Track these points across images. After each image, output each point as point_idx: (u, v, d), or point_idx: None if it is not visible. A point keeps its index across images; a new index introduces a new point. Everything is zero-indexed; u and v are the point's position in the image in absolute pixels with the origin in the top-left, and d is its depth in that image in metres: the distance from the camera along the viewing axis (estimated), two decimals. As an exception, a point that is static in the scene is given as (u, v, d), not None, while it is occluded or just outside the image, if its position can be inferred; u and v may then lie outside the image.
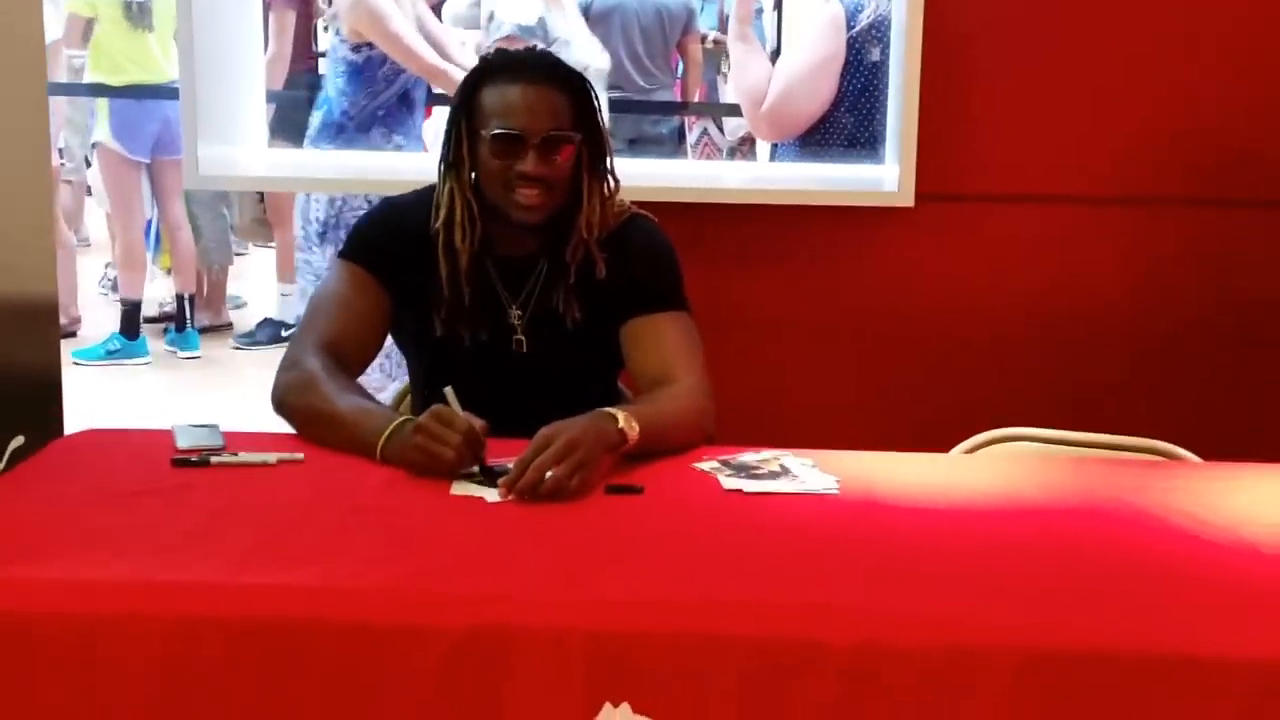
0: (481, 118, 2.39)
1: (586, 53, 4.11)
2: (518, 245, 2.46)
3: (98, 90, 6.01)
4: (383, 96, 4.28)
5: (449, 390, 2.15)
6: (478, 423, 2.11)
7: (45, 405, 2.88)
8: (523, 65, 2.44)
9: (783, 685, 1.64)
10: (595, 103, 2.46)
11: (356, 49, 4.25)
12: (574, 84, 2.44)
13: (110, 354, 6.06)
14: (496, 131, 2.37)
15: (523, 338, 2.47)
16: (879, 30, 3.58)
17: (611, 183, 2.48)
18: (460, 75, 3.59)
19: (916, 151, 3.29)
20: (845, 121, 3.70)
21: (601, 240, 2.45)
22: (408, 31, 4.14)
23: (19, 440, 2.55)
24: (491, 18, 4.02)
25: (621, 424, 2.15)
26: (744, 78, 3.77)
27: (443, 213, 2.43)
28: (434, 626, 1.67)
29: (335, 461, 2.18)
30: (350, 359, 2.40)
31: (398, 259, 2.46)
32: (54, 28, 6.65)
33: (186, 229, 6.31)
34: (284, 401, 2.34)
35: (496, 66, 2.45)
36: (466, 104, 2.42)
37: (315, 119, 4.44)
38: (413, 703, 1.66)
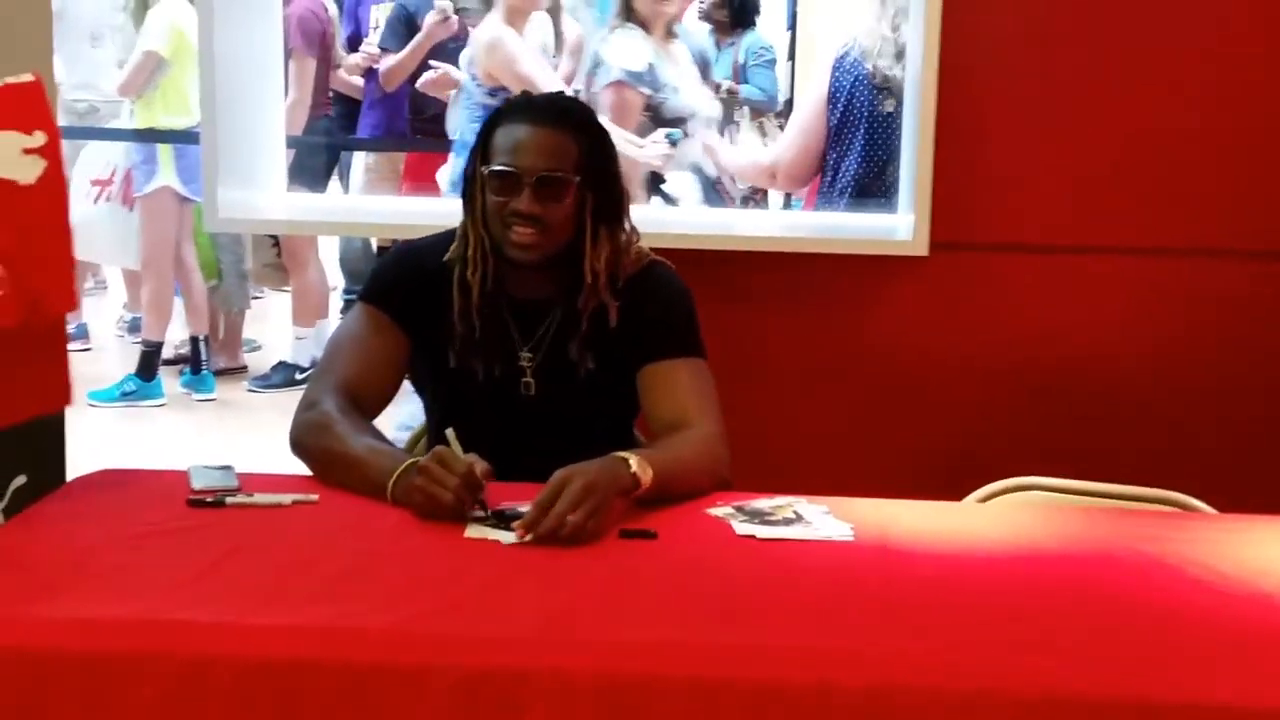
0: (490, 156, 2.42)
1: (695, 100, 4.14)
2: (533, 289, 2.48)
3: (152, 135, 6.01)
4: None
5: (450, 432, 2.17)
6: (480, 465, 2.11)
7: (48, 445, 2.88)
8: (535, 107, 2.46)
9: (795, 731, 1.64)
10: (609, 150, 2.48)
11: (493, 93, 4.27)
12: (587, 129, 2.45)
13: (125, 395, 6.07)
14: (495, 168, 2.39)
15: (531, 381, 2.48)
16: (838, 90, 3.69)
17: (627, 229, 2.49)
18: None
19: (931, 201, 3.30)
20: (859, 173, 3.76)
21: (618, 288, 2.46)
22: (538, 72, 4.17)
23: (21, 479, 2.56)
24: (600, 64, 4.05)
25: (635, 469, 2.15)
26: (741, 164, 3.89)
27: (457, 247, 2.47)
28: (444, 667, 1.66)
29: (349, 503, 2.19)
30: (367, 400, 2.42)
31: (415, 301, 2.48)
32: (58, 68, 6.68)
33: (198, 271, 6.33)
34: (300, 442, 2.35)
35: (513, 108, 2.47)
36: (482, 142, 2.45)
37: (456, 165, 4.43)
38: (422, 745, 1.65)
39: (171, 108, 5.98)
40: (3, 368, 2.21)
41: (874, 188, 3.76)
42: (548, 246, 2.40)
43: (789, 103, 5.59)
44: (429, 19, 5.27)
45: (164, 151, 5.99)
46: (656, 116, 4.03)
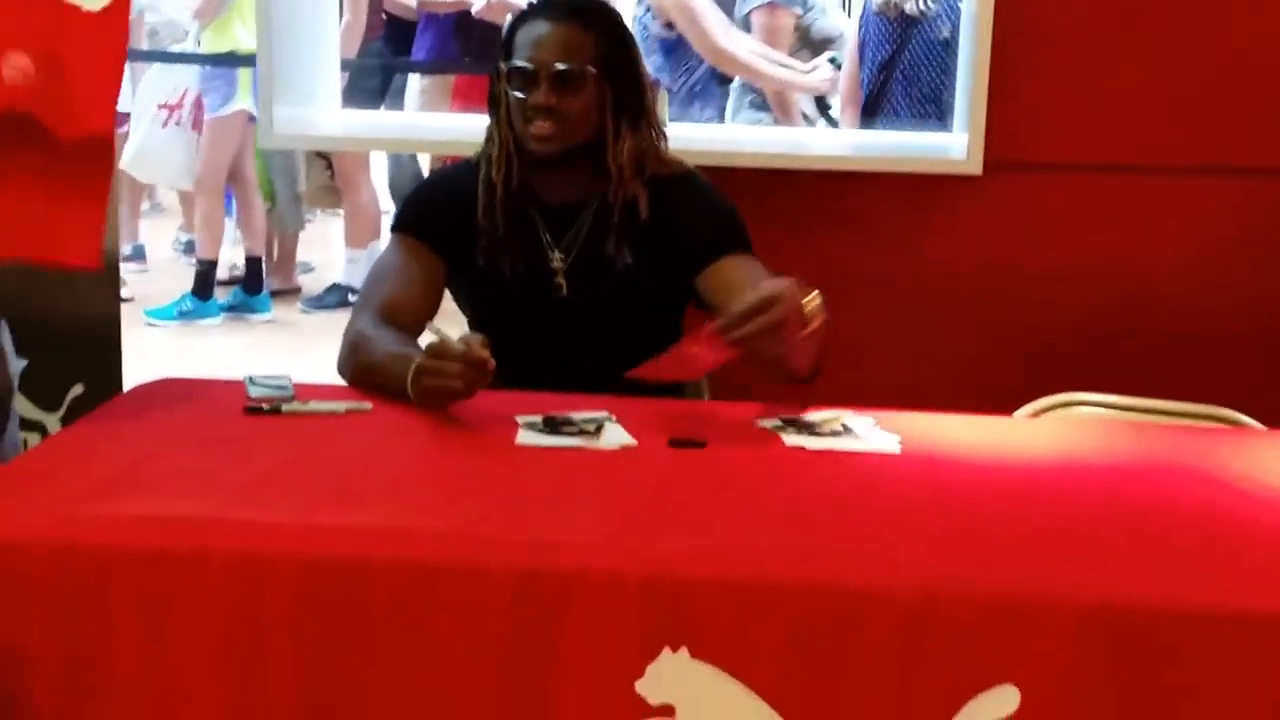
0: (512, 55, 2.49)
1: (841, 19, 4.18)
2: (563, 192, 2.52)
3: (227, 60, 6.01)
4: (698, 73, 4.32)
5: (432, 326, 2.21)
6: (475, 340, 2.14)
7: (105, 358, 2.92)
8: (554, 5, 2.51)
9: (841, 633, 1.66)
10: (629, 48, 2.53)
11: (669, 26, 4.29)
12: (605, 26, 2.51)
13: (183, 314, 6.14)
14: (514, 64, 2.47)
15: (563, 282, 2.52)
16: (950, 11, 3.67)
17: (654, 126, 2.53)
18: (747, 62, 3.93)
19: (985, 120, 3.29)
20: (913, 95, 3.78)
21: (656, 188, 2.50)
22: (705, 9, 4.19)
23: (79, 389, 2.61)
24: (750, -14, 4.09)
25: (809, 308, 2.18)
26: None
27: (483, 148, 2.54)
28: (496, 568, 1.69)
29: (402, 411, 2.22)
30: (404, 320, 2.44)
31: (445, 221, 2.54)
32: None
33: (258, 191, 6.38)
34: (341, 364, 2.41)
35: (534, 8, 2.53)
36: (505, 44, 2.51)
37: None
38: (473, 641, 1.69)
39: (250, 27, 5.98)
40: (37, 196, 2.15)
41: (877, 106, 3.80)
42: (566, 138, 2.46)
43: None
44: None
45: (244, 75, 5.99)
46: (805, 38, 4.07)
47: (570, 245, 2.52)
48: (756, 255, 2.53)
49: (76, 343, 2.86)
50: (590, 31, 2.48)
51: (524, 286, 2.52)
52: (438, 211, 2.57)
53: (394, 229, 2.61)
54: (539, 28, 2.47)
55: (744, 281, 2.40)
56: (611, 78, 2.48)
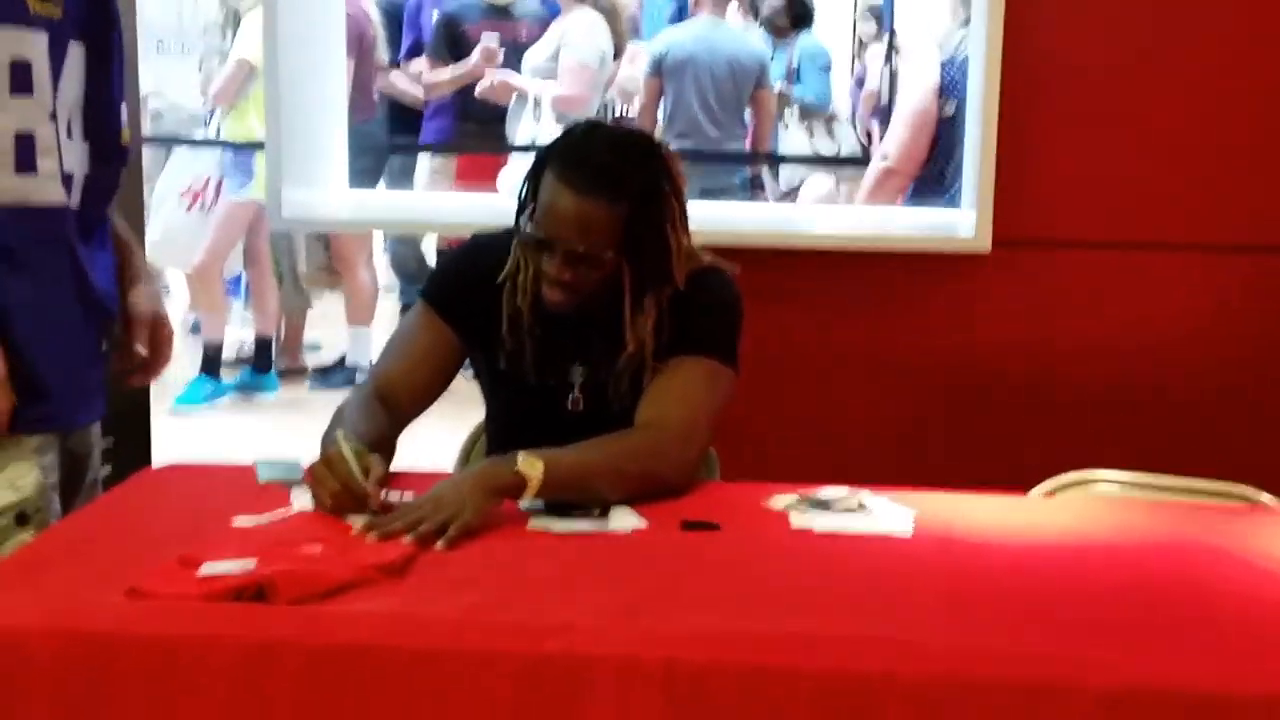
0: (536, 200, 2.35)
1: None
2: (588, 312, 2.40)
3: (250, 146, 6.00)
4: None
5: (340, 435, 2.14)
6: (378, 470, 2.09)
7: (134, 442, 2.90)
8: (583, 166, 2.30)
9: (857, 718, 1.63)
10: (658, 211, 2.33)
11: None
12: (634, 193, 2.30)
13: (208, 397, 6.12)
14: (528, 230, 2.34)
15: (580, 397, 2.45)
16: (953, 86, 3.68)
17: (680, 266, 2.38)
18: None
19: (993, 198, 3.29)
20: (921, 174, 3.79)
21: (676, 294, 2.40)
22: None
23: (105, 469, 2.58)
24: None
25: (520, 466, 2.10)
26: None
27: (510, 263, 2.42)
28: (508, 653, 1.67)
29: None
30: (403, 396, 2.40)
31: (469, 300, 2.46)
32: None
33: (271, 272, 6.39)
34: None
35: (565, 154, 2.33)
36: (535, 173, 2.37)
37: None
38: (487, 729, 1.66)
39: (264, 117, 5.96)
40: None
41: (934, 190, 3.80)
42: (577, 302, 2.35)
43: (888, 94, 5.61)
44: (476, 57, 5.34)
45: (260, 164, 5.95)
46: None
47: (587, 361, 2.43)
48: (726, 351, 2.40)
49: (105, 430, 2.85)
50: (615, 205, 2.28)
51: (542, 396, 2.45)
52: (462, 288, 2.47)
53: (421, 294, 2.53)
54: (560, 194, 2.28)
55: (659, 384, 2.33)
56: (634, 249, 2.31)
